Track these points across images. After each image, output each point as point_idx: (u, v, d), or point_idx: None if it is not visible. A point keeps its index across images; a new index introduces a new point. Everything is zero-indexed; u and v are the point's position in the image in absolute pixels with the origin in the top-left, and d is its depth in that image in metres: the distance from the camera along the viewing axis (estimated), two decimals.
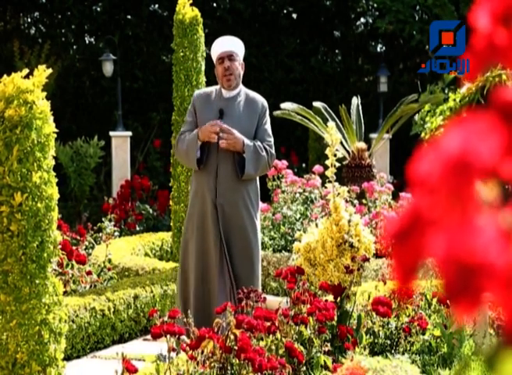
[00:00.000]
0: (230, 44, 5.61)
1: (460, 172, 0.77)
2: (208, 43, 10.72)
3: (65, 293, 6.62)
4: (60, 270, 6.83)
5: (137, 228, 11.09)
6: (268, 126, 5.62)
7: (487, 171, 0.77)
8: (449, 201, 0.77)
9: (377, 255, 7.83)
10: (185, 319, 4.15)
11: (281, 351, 4.29)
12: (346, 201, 7.63)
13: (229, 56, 5.56)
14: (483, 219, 0.76)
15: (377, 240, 7.77)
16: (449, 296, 0.76)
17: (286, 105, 9.71)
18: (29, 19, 16.84)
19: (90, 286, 7.10)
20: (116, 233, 9.97)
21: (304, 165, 15.42)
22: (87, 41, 16.69)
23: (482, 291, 0.75)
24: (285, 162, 9.39)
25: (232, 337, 3.95)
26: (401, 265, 0.81)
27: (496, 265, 0.74)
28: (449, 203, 0.77)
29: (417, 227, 0.79)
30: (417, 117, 10.02)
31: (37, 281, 3.89)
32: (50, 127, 3.95)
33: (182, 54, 7.69)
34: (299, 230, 8.29)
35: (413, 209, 0.80)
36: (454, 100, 5.10)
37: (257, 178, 5.65)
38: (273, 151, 5.56)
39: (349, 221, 5.32)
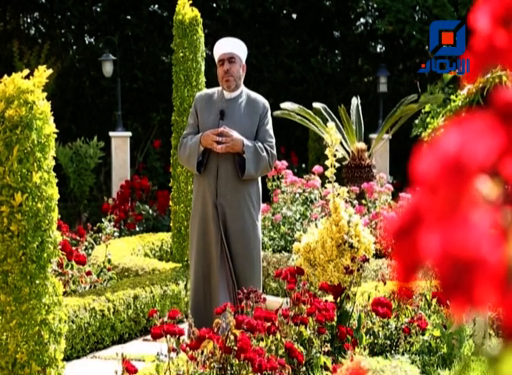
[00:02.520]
0: (231, 46, 5.61)
1: (456, 172, 0.78)
2: (208, 43, 10.75)
3: (65, 293, 6.62)
4: (60, 271, 6.83)
5: (137, 228, 11.09)
6: (269, 127, 5.62)
7: (483, 171, 0.77)
8: (446, 199, 0.78)
9: (377, 256, 7.84)
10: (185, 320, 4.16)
11: (281, 352, 4.29)
12: (346, 202, 7.63)
13: (230, 58, 5.56)
14: (477, 216, 0.77)
15: (377, 240, 7.77)
16: (445, 293, 0.77)
17: (286, 105, 9.71)
18: (29, 20, 16.83)
19: (90, 286, 7.10)
20: (116, 234, 9.97)
21: (303, 165, 15.43)
22: (87, 42, 16.69)
23: (475, 287, 0.75)
24: (285, 163, 9.39)
25: (232, 337, 3.95)
26: (402, 263, 0.81)
27: (489, 261, 0.75)
28: (446, 202, 0.78)
29: (417, 225, 0.80)
30: (417, 120, 10.03)
31: (37, 281, 3.90)
32: (50, 128, 3.96)
33: (182, 54, 7.69)
34: (299, 230, 8.29)
35: (413, 208, 0.81)
36: (455, 101, 5.12)
37: (260, 180, 5.65)
38: (274, 151, 5.56)
39: (348, 222, 5.33)
